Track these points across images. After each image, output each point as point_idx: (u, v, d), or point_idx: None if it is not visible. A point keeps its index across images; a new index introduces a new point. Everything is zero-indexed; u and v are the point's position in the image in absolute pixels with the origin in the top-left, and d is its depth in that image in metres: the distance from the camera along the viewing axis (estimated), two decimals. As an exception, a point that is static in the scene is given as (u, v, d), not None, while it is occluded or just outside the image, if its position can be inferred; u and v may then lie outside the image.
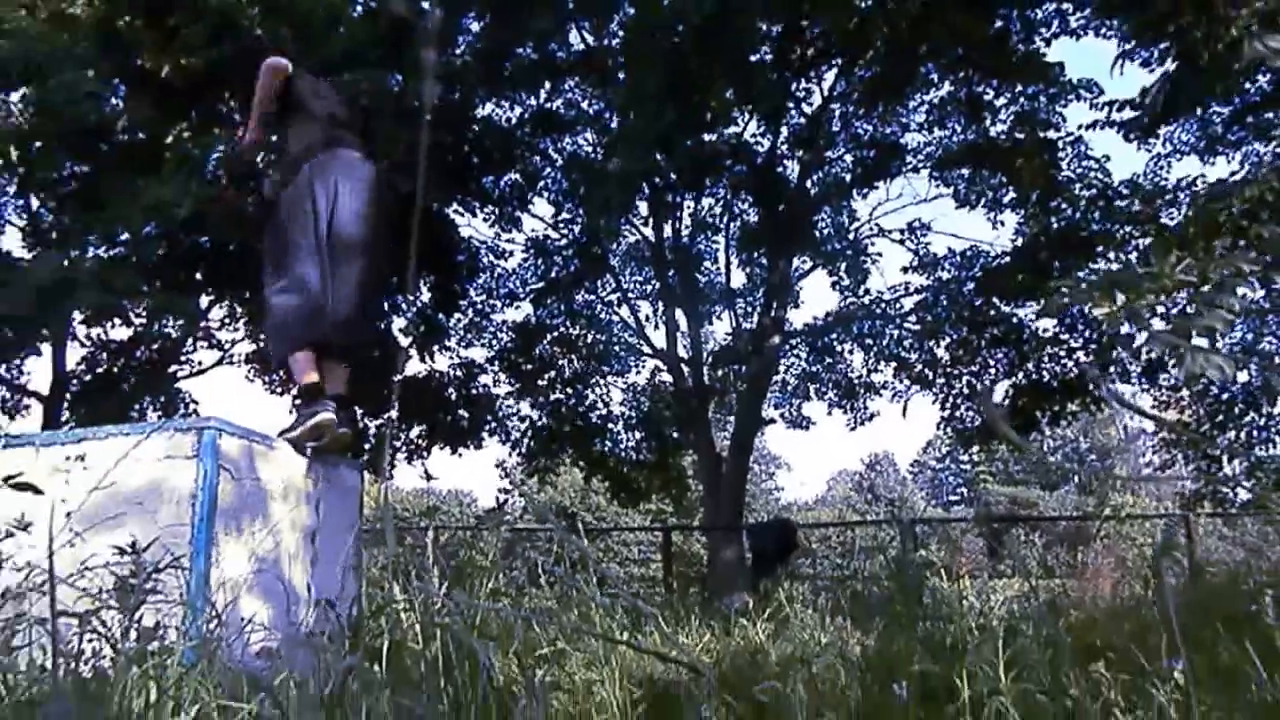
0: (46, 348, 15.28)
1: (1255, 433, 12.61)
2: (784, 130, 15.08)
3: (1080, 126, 13.18)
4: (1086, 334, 13.00)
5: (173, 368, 17.04)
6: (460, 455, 16.44)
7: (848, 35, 11.96)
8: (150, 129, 12.45)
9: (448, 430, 16.18)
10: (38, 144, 12.13)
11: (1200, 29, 6.08)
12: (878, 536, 15.68)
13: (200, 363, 17.67)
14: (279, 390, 16.49)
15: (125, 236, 11.48)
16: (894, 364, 15.95)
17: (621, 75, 13.61)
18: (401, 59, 12.67)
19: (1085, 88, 12.70)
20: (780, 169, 15.17)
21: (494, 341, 17.17)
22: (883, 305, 15.97)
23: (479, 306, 17.05)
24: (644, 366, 17.70)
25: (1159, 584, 2.45)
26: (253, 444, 3.78)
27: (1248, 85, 9.93)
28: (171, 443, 3.54)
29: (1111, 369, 12.77)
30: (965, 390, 14.82)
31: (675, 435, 17.20)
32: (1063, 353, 13.37)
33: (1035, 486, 50.13)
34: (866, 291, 16.15)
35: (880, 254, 16.96)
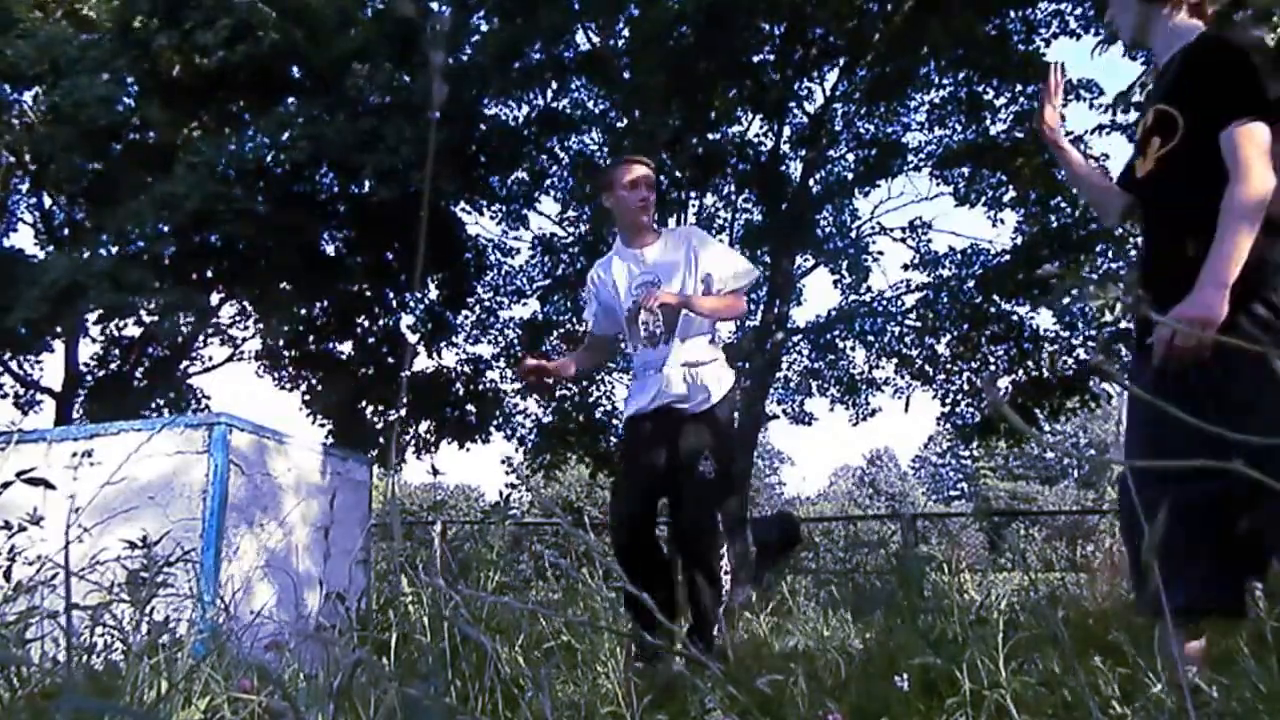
0: (59, 344, 15.38)
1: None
2: (787, 129, 15.10)
3: (1086, 131, 13.25)
4: (1087, 332, 13.06)
5: (184, 364, 17.15)
6: (467, 450, 16.56)
7: (849, 35, 12.00)
8: (163, 128, 12.55)
9: (455, 426, 16.25)
10: (50, 143, 12.22)
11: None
12: (879, 531, 15.69)
13: (211, 358, 17.79)
14: (288, 386, 16.58)
15: (137, 234, 11.55)
16: (895, 360, 15.97)
17: (627, 75, 13.64)
18: (411, 58, 12.74)
19: (1085, 88, 12.72)
20: (783, 167, 15.19)
21: (501, 338, 17.25)
22: (884, 302, 15.98)
23: (486, 303, 17.14)
24: (649, 363, 17.72)
25: (1149, 577, 2.48)
26: (263, 439, 3.82)
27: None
28: (183, 438, 3.57)
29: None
30: (966, 386, 14.88)
31: (680, 431, 17.23)
32: (1063, 350, 13.45)
33: (1034, 481, 50.23)
34: (868, 289, 16.17)
35: (882, 252, 16.96)
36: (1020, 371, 13.87)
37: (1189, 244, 2.37)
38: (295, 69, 13.62)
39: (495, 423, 16.67)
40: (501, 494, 20.03)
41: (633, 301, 3.94)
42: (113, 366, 16.03)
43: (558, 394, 16.87)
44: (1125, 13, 2.70)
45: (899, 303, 15.84)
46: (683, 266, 3.95)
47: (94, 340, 15.97)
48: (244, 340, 17.57)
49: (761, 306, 15.34)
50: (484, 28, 13.92)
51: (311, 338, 15.71)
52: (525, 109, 15.51)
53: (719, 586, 3.66)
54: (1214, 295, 2.20)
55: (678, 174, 14.24)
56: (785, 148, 15.28)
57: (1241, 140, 2.30)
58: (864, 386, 16.66)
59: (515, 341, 17.04)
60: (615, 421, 17.12)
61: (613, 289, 4.06)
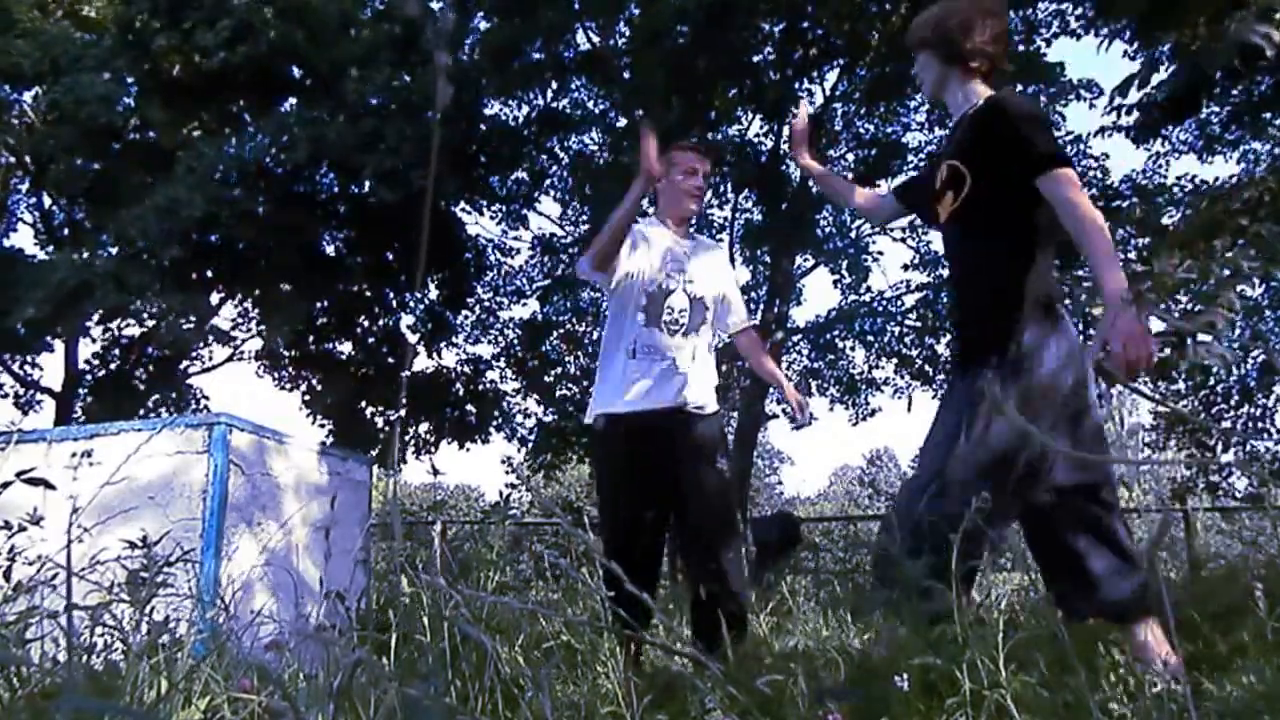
0: (59, 344, 15.37)
1: (1250, 424, 12.74)
2: (787, 129, 15.11)
3: (1089, 134, 13.26)
4: (1089, 333, 13.10)
5: (184, 364, 17.15)
6: (467, 450, 16.58)
7: (848, 35, 12.00)
8: (163, 129, 12.54)
9: (455, 426, 16.26)
10: (51, 143, 12.21)
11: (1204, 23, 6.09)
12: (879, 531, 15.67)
13: (211, 358, 17.79)
14: (288, 386, 16.58)
15: (138, 234, 11.56)
16: (895, 360, 15.99)
17: (627, 74, 13.64)
18: (412, 59, 12.72)
19: (1085, 88, 12.71)
20: (783, 167, 15.20)
21: (501, 338, 17.26)
22: (884, 302, 15.99)
23: (486, 303, 17.16)
24: (648, 363, 17.71)
25: (1151, 576, 2.49)
26: (263, 439, 3.81)
27: (1253, 85, 9.93)
28: (183, 438, 3.57)
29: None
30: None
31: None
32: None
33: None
34: (868, 289, 16.18)
35: (882, 252, 17.02)
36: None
37: (985, 282, 2.79)
38: (295, 70, 13.64)
39: (495, 423, 16.68)
40: (501, 494, 19.99)
41: (665, 279, 3.70)
42: (113, 366, 16.04)
43: (558, 394, 16.88)
44: (927, 71, 2.98)
45: (899, 303, 15.86)
46: (721, 281, 3.86)
47: (94, 340, 15.99)
48: (244, 340, 17.58)
49: (761, 306, 15.33)
50: (483, 27, 13.93)
51: (311, 338, 15.71)
52: (525, 109, 15.54)
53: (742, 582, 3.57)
54: (1129, 309, 2.39)
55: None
56: (785, 148, 15.29)
57: (1063, 182, 2.57)
58: (864, 386, 16.67)
59: (515, 341, 17.05)
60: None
61: (645, 247, 3.75)
